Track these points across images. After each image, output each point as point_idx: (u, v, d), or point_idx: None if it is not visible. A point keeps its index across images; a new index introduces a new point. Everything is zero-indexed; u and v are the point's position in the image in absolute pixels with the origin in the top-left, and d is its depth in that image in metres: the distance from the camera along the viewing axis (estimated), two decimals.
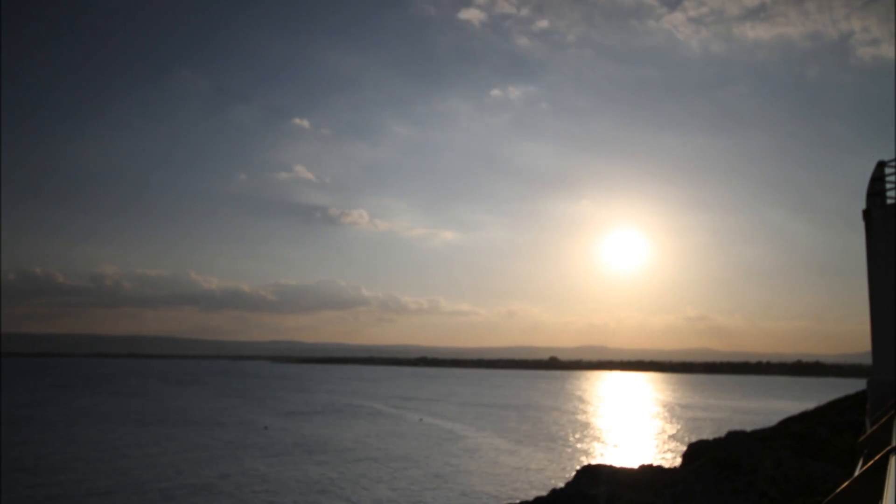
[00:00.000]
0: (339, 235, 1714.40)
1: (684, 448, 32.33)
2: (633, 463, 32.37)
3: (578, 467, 31.19)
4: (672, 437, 78.36)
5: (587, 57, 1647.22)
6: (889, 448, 6.09)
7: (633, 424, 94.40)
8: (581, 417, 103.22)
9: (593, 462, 35.80)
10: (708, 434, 66.46)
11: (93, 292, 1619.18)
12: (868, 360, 22.28)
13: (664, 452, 63.93)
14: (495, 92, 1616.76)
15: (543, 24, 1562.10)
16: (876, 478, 5.49)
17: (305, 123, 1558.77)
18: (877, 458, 5.81)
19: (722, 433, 30.17)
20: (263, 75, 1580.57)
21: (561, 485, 31.15)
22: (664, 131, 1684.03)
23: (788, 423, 29.31)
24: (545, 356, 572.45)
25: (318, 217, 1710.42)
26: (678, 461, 34.73)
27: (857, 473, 6.19)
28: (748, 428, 31.90)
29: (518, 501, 34.30)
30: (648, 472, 27.39)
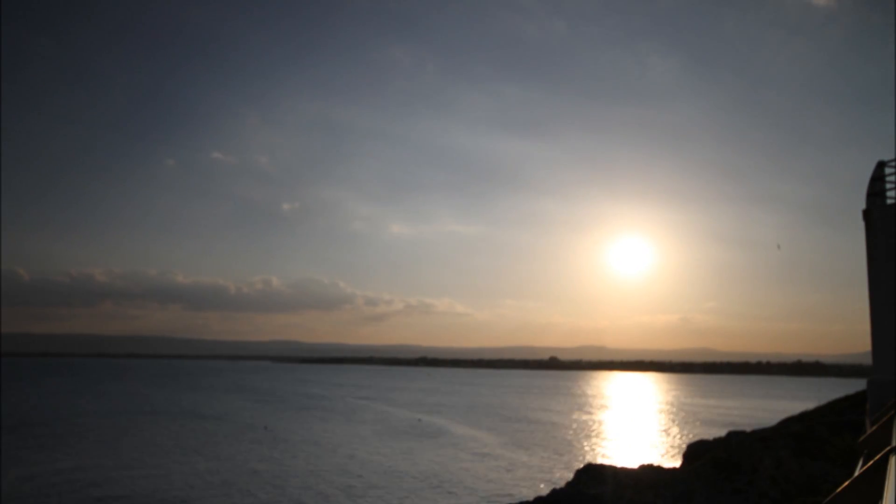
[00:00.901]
0: (293, 228, 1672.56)
1: (684, 448, 32.36)
2: (633, 463, 32.37)
3: (578, 467, 31.21)
4: (672, 437, 78.38)
5: (468, 3, 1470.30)
6: (889, 448, 6.10)
7: (632, 424, 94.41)
8: (581, 417, 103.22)
9: (593, 462, 35.82)
10: (708, 434, 66.46)
11: (63, 290, 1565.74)
12: (868, 360, 22.29)
13: (664, 452, 63.94)
14: (374, 55, 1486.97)
15: None
16: (876, 478, 5.50)
17: (189, 97, 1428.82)
18: (877, 458, 5.82)
19: (722, 433, 30.21)
20: (119, 40, 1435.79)
21: (561, 485, 31.17)
22: (588, 100, 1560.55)
23: (788, 423, 29.32)
24: (545, 356, 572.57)
25: (262, 209, 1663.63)
26: (678, 461, 34.75)
27: (857, 473, 6.20)
28: (748, 428, 31.92)
29: (518, 501, 34.32)
30: (648, 472, 27.39)
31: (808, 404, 35.75)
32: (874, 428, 9.50)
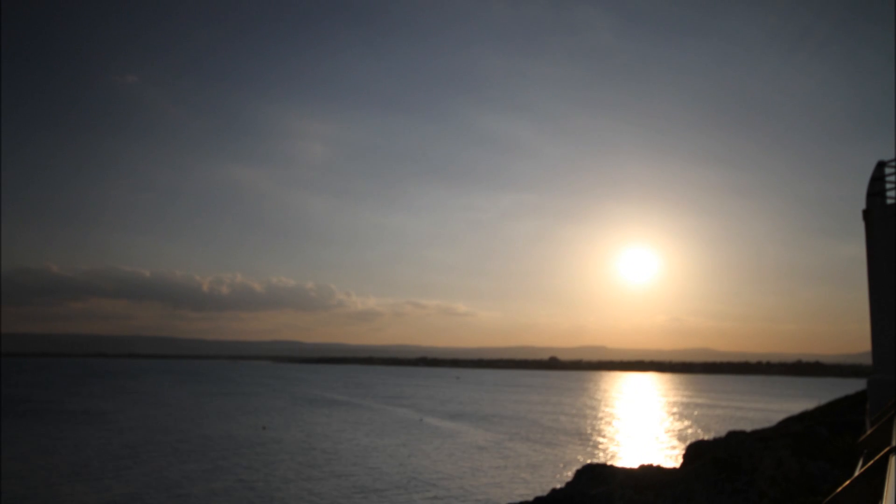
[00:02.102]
0: (212, 215, 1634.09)
1: (684, 448, 32.33)
2: (633, 463, 32.35)
3: (578, 467, 31.19)
4: (672, 437, 78.36)
5: None
6: (889, 448, 6.09)
7: (632, 424, 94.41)
8: (581, 417, 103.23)
9: (593, 462, 35.81)
10: (708, 434, 66.44)
11: (21, 285, 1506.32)
12: (868, 360, 22.31)
13: (664, 452, 63.93)
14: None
15: None
16: (876, 478, 5.49)
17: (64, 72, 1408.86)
18: (877, 458, 5.81)
19: (722, 433, 30.16)
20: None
21: (561, 485, 31.14)
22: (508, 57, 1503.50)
23: (788, 423, 29.31)
24: (545, 356, 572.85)
25: (173, 195, 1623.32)
26: (678, 461, 34.71)
27: (857, 473, 6.19)
28: (748, 428, 31.92)
29: (518, 501, 34.29)
30: (648, 472, 27.37)
31: (808, 404, 35.79)
32: (874, 428, 9.49)
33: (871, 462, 5.79)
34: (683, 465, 28.12)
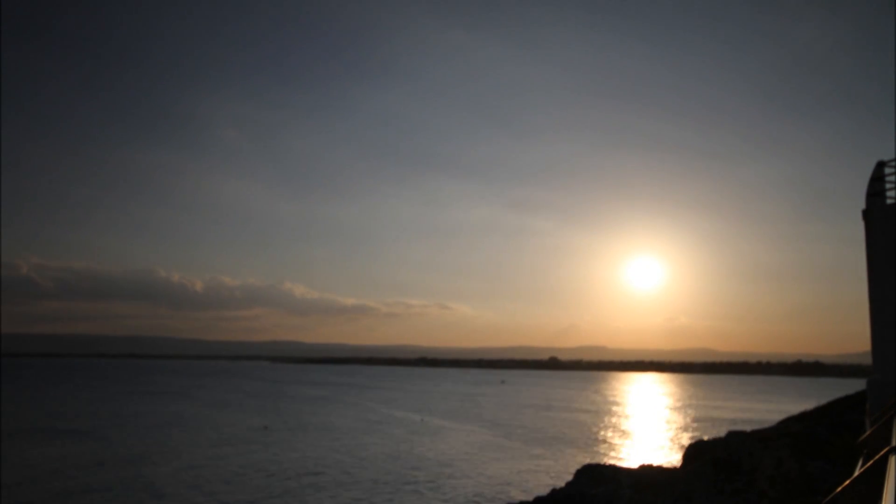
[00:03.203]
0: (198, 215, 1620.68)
1: (684, 448, 32.35)
2: (633, 463, 32.35)
3: (578, 467, 31.18)
4: (672, 437, 78.36)
5: None
6: (889, 448, 6.09)
7: (632, 424, 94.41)
8: (581, 417, 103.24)
9: (593, 462, 35.78)
10: (708, 434, 66.41)
11: (21, 285, 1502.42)
12: (868, 360, 22.29)
13: (664, 452, 63.93)
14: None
15: None
16: (876, 478, 5.49)
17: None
18: (876, 458, 5.81)
19: (722, 433, 30.16)
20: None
21: (561, 485, 31.14)
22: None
23: (788, 423, 29.32)
24: (545, 356, 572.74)
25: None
26: (678, 461, 34.72)
27: (856, 473, 6.18)
28: (748, 428, 31.93)
29: (518, 501, 34.28)
30: (648, 472, 27.37)
31: (808, 404, 35.82)
32: (874, 428, 9.49)
33: (871, 462, 5.79)
34: (683, 465, 28.12)
